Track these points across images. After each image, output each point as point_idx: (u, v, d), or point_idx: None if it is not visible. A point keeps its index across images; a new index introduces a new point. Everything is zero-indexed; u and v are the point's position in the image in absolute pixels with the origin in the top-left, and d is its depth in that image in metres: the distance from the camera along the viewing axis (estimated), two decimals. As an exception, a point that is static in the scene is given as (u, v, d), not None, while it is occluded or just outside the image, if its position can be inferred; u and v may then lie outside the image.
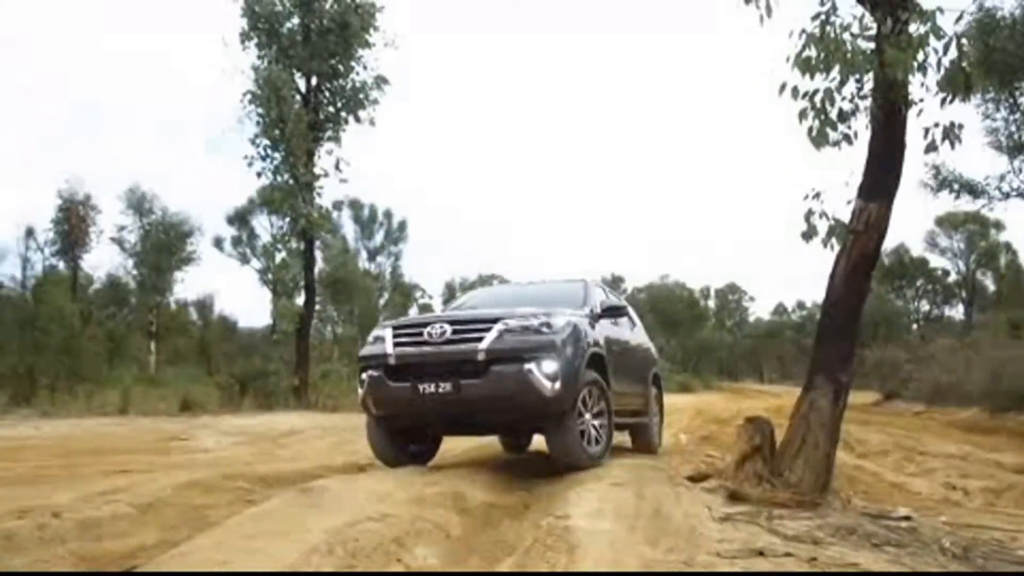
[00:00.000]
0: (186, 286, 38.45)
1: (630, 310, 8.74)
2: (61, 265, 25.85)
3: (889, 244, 34.54)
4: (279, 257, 15.66)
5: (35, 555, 3.75)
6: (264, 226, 36.48)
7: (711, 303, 63.25)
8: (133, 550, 4.08)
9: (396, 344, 5.84)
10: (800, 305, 63.77)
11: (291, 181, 13.63)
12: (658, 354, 9.80)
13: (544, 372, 5.36)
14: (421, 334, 5.75)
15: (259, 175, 14.07)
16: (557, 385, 5.37)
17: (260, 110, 13.34)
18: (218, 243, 36.19)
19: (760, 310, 69.61)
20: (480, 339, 5.51)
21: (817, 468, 4.82)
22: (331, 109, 14.40)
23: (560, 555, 3.37)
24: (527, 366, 5.36)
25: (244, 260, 36.98)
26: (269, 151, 13.70)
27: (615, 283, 56.55)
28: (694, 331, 51.64)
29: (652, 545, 3.51)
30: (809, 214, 5.37)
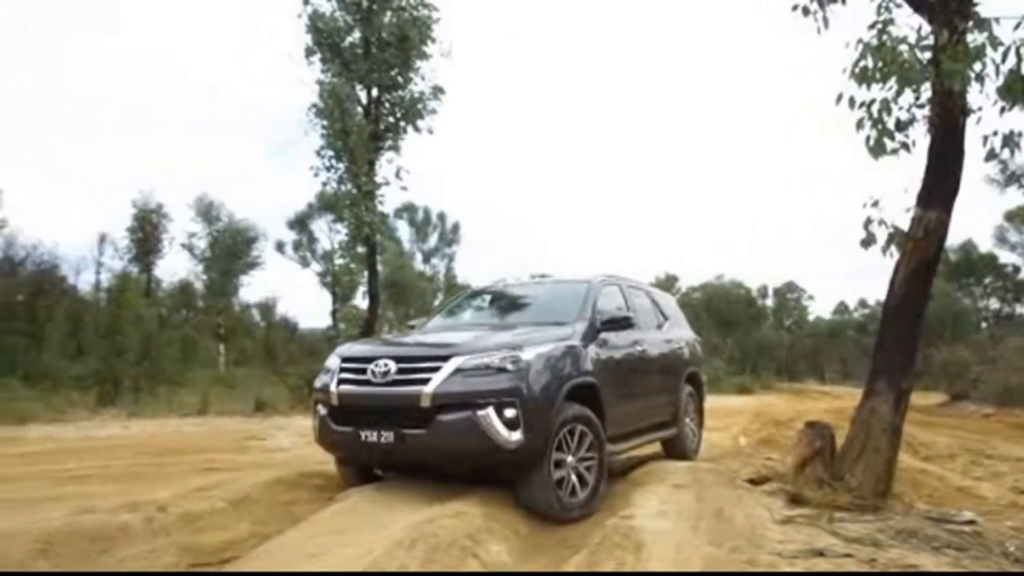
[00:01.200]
0: (251, 289, 39.72)
1: (663, 302, 8.09)
2: (135, 271, 27.10)
3: (956, 240, 33.40)
4: (341, 262, 16.15)
5: (147, 545, 4.13)
6: (323, 230, 37.55)
7: (769, 302, 62.06)
8: (230, 542, 4.42)
9: (340, 381, 5.14)
10: (862, 303, 61.99)
11: (354, 190, 14.12)
12: (702, 352, 8.85)
13: (501, 420, 4.59)
14: (365, 371, 4.99)
15: (324, 184, 14.66)
16: (517, 435, 4.59)
17: (324, 122, 13.88)
18: (280, 247, 37.37)
19: (820, 309, 68.01)
20: (426, 381, 4.71)
21: (878, 472, 4.90)
22: (391, 119, 14.84)
23: (627, 553, 3.57)
24: (480, 413, 4.57)
25: (304, 264, 38.10)
26: (333, 162, 14.25)
27: (669, 282, 56.02)
28: (751, 331, 50.73)
29: (715, 545, 3.68)
30: (868, 222, 5.43)
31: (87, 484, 5.88)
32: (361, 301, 16.75)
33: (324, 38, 14.39)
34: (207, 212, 30.31)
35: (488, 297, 7.27)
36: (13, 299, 21.03)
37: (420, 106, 14.83)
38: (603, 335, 5.85)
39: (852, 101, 5.29)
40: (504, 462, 4.76)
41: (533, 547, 4.49)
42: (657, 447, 7.65)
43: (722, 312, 47.96)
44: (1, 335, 19.06)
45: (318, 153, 14.41)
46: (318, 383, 5.41)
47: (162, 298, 29.40)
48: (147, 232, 27.08)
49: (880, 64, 5.15)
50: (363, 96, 14.79)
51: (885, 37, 5.21)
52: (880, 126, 5.23)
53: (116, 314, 17.65)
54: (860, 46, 5.25)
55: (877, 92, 5.26)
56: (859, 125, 5.31)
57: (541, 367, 4.88)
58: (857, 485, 4.84)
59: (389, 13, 14.57)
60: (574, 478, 5.01)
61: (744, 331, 49.95)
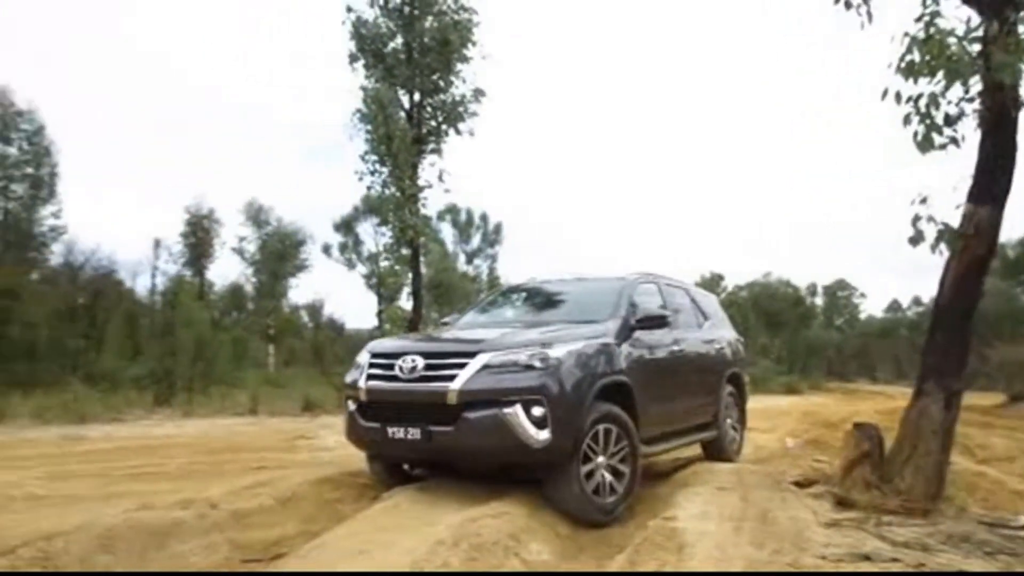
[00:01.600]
0: (299, 291, 40.50)
1: (704, 302, 7.95)
2: (189, 275, 27.93)
3: (1013, 235, 32.14)
4: (385, 264, 16.39)
5: (200, 541, 4.28)
6: (368, 232, 38.06)
7: (818, 300, 60.77)
8: (278, 538, 4.56)
9: (369, 376, 5.14)
10: (916, 301, 60.19)
11: (398, 194, 14.33)
12: (745, 352, 8.65)
13: (529, 418, 4.53)
14: (393, 367, 4.99)
15: (368, 188, 14.89)
16: (544, 434, 4.53)
17: (368, 127, 14.11)
18: (326, 250, 38.00)
19: (872, 307, 66.37)
20: (453, 377, 4.68)
21: (928, 475, 4.78)
22: (433, 123, 15.01)
23: (669, 554, 3.58)
24: (507, 411, 4.52)
25: (350, 266, 38.69)
26: (377, 166, 14.47)
27: (714, 281, 55.22)
28: (800, 330, 49.73)
29: (758, 547, 3.66)
30: (916, 219, 5.30)
31: (144, 482, 6.12)
32: (405, 302, 16.97)
33: (367, 44, 14.63)
34: (256, 217, 31.07)
35: (522, 294, 7.21)
36: (74, 303, 21.87)
37: (461, 109, 14.98)
38: (638, 334, 5.74)
39: (899, 96, 5.17)
40: (532, 461, 4.72)
41: (575, 547, 4.52)
42: (697, 449, 7.56)
43: (769, 311, 47.12)
44: (63, 337, 19.85)
45: (362, 158, 14.66)
46: (348, 378, 5.44)
47: (214, 301, 30.18)
48: (200, 237, 27.89)
49: (927, 57, 5.03)
50: (405, 101, 14.99)
51: (932, 30, 5.08)
52: (928, 121, 5.10)
53: (171, 317, 18.25)
54: (906, 39, 5.14)
55: (925, 86, 5.14)
56: (906, 120, 5.19)
57: (571, 365, 4.81)
58: (906, 488, 4.73)
59: (430, 18, 14.74)
60: (607, 478, 4.94)
61: (792, 330, 48.99)
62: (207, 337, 18.36)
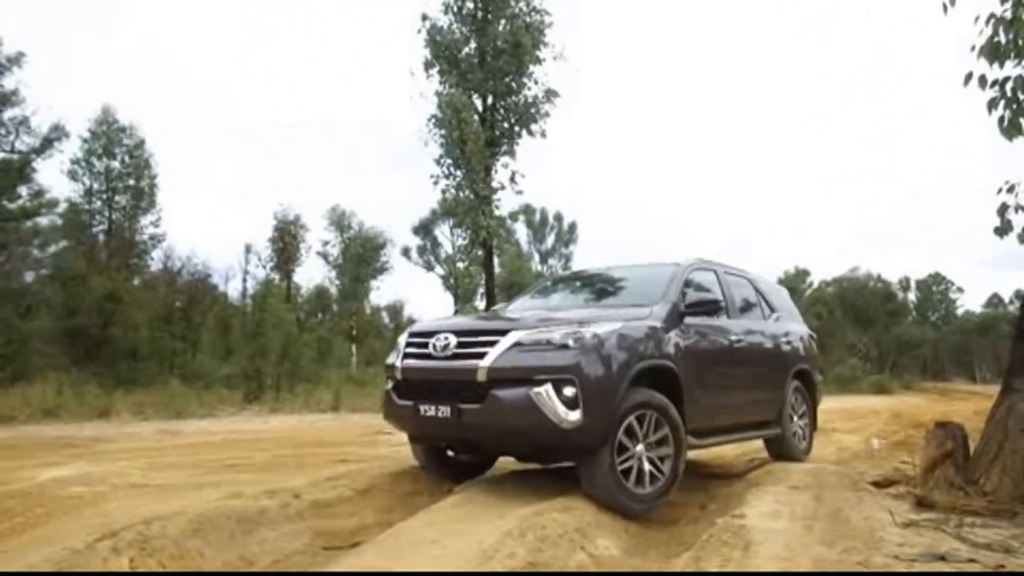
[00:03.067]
0: (380, 293, 41.67)
1: (771, 293, 7.63)
2: (277, 278, 29.19)
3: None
4: (461, 266, 16.72)
5: (284, 528, 4.52)
6: (445, 235, 38.78)
7: (911, 296, 57.97)
8: (357, 527, 4.75)
9: (406, 355, 5.18)
10: (1019, 295, 56.70)
11: (472, 196, 14.59)
12: (816, 348, 8.19)
13: (560, 397, 4.36)
14: (427, 345, 4.98)
15: (444, 192, 15.22)
16: (575, 415, 4.35)
17: (443, 132, 14.43)
18: (405, 252, 38.95)
19: (970, 302, 62.86)
20: (483, 355, 4.60)
21: (1016, 476, 4.56)
22: (505, 125, 15.21)
23: (734, 551, 3.55)
24: (536, 390, 4.36)
25: (429, 267, 39.52)
26: (452, 169, 14.79)
27: (799, 276, 53.39)
28: (891, 327, 47.58)
29: (828, 546, 3.59)
30: (1003, 208, 5.08)
31: (234, 472, 6.47)
32: (480, 302, 17.25)
33: (442, 51, 14.98)
34: (339, 222, 32.22)
35: (575, 282, 7.10)
36: (172, 306, 23.20)
37: (533, 110, 15.13)
38: (689, 320, 5.55)
39: (983, 80, 4.98)
40: (562, 443, 4.58)
41: (642, 543, 4.52)
42: (759, 446, 7.58)
43: (858, 307, 45.27)
44: (162, 339, 21.10)
45: (437, 162, 15.02)
46: (388, 360, 5.46)
47: (300, 303, 31.43)
48: (286, 242, 29.10)
49: (1014, 38, 4.82)
50: (478, 104, 15.26)
51: (1021, 11, 4.87)
52: (1015, 105, 4.89)
53: (260, 319, 19.12)
54: (992, 21, 4.94)
55: (1011, 69, 4.93)
56: (991, 105, 4.99)
57: (607, 345, 4.61)
58: (992, 489, 4.54)
59: (503, 21, 14.96)
60: (646, 467, 4.75)
61: (882, 327, 46.90)
62: (293, 338, 19.15)
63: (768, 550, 3.45)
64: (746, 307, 6.89)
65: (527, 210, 44.42)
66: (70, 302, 17.83)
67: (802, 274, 52.91)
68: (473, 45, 15.00)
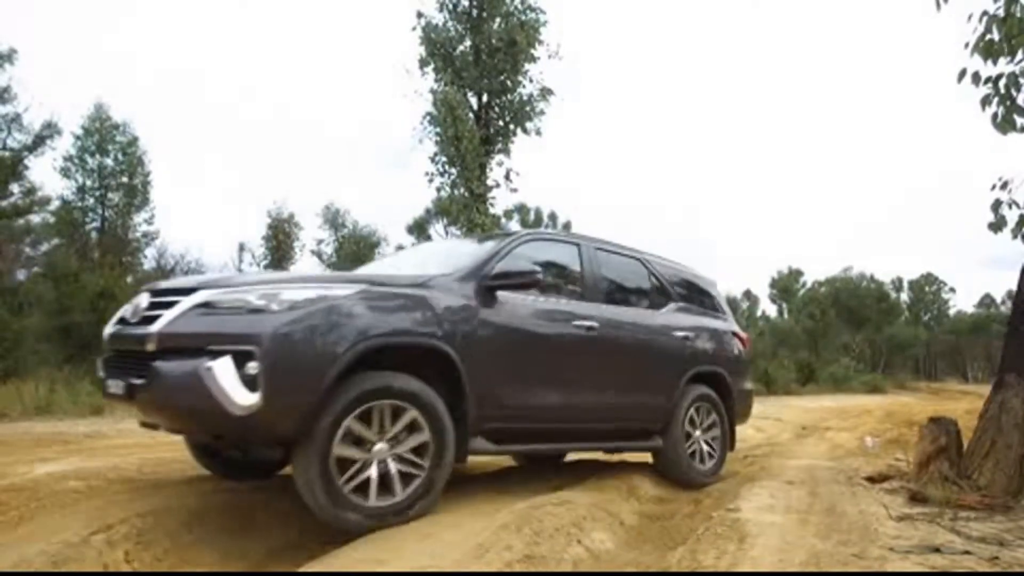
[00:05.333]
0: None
1: (677, 281, 6.42)
2: (270, 277, 29.12)
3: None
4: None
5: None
6: (440, 233, 38.76)
7: (904, 296, 58.24)
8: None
9: (117, 321, 4.18)
10: (1011, 295, 57.08)
11: (466, 194, 14.62)
12: (742, 349, 6.86)
13: (237, 376, 3.37)
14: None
15: (438, 190, 15.24)
16: (253, 398, 3.36)
17: (438, 130, 14.46)
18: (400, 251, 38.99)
19: (962, 302, 63.27)
20: (157, 318, 3.66)
21: (1009, 471, 4.60)
22: (500, 123, 15.27)
23: (730, 543, 3.57)
24: (209, 363, 3.35)
25: (423, 266, 39.52)
26: (446, 167, 14.82)
27: (792, 277, 53.55)
28: (883, 327, 47.82)
29: (823, 538, 3.61)
30: (997, 204, 5.13)
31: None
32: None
33: (437, 49, 15.00)
34: (334, 220, 32.19)
35: (418, 249, 6.32)
36: (165, 304, 23.09)
37: (528, 108, 15.17)
38: (505, 296, 4.55)
39: (977, 77, 5.03)
40: (242, 433, 3.77)
41: (638, 537, 4.54)
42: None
43: (851, 307, 45.50)
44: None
45: (432, 160, 15.03)
46: None
47: (294, 301, 31.36)
48: (280, 240, 29.02)
49: (1007, 36, 4.87)
50: (473, 102, 15.30)
51: (1014, 8, 4.91)
52: (1008, 102, 4.94)
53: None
54: (985, 18, 4.98)
55: (1004, 66, 4.98)
56: (985, 102, 5.05)
57: (320, 311, 3.61)
58: (986, 484, 4.58)
59: (498, 19, 15.00)
60: (392, 469, 3.82)
61: (875, 327, 47.15)
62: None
63: (764, 542, 3.47)
64: (622, 292, 5.79)
65: (521, 209, 44.41)
66: (63, 299, 17.72)
67: (795, 274, 53.13)
68: (468, 43, 15.04)
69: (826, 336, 40.84)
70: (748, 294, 56.42)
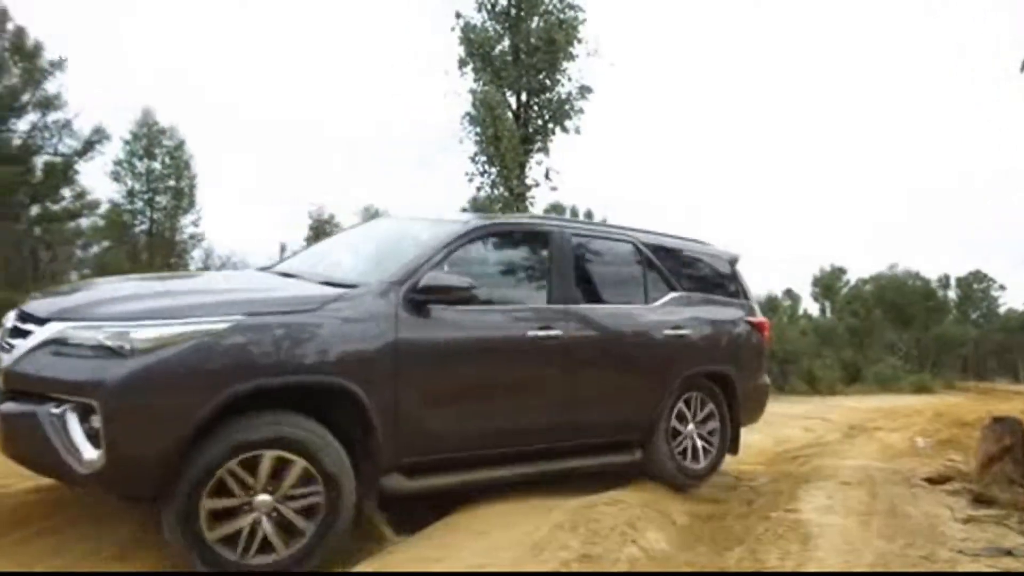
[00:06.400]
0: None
1: (682, 263, 5.60)
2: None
3: None
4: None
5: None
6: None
7: (951, 294, 56.74)
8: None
9: None
10: (1068, 293, 55.18)
11: (506, 193, 14.65)
12: (758, 340, 5.94)
13: (81, 429, 2.98)
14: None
15: (478, 190, 15.31)
16: (98, 454, 2.94)
17: (477, 129, 14.51)
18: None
19: (1013, 300, 61.37)
20: (12, 349, 3.25)
21: (1079, 473, 4.46)
22: (539, 122, 15.27)
23: (792, 544, 3.52)
24: (52, 411, 2.98)
25: (462, 266, 39.69)
26: (486, 167, 14.87)
27: (835, 275, 52.50)
28: (931, 325, 46.62)
29: (888, 540, 3.54)
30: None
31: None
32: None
33: (476, 49, 15.04)
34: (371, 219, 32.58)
35: (351, 236, 5.63)
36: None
37: (567, 107, 15.14)
38: (434, 308, 3.90)
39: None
40: (92, 488, 3.31)
41: (691, 538, 4.49)
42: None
43: (897, 305, 44.45)
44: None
45: (472, 159, 15.10)
46: None
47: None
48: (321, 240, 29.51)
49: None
50: (512, 101, 15.32)
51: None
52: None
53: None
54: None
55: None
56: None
57: (181, 354, 3.10)
58: (1055, 486, 4.44)
59: (536, 18, 14.99)
60: (266, 528, 3.23)
61: (922, 326, 45.99)
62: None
63: (827, 543, 3.41)
64: (604, 286, 5.09)
65: (558, 208, 44.40)
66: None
67: (838, 272, 52.08)
68: (507, 42, 15.05)
69: (871, 335, 39.95)
70: (789, 292, 55.54)
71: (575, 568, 3.47)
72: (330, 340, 3.50)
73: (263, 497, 3.25)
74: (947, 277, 55.44)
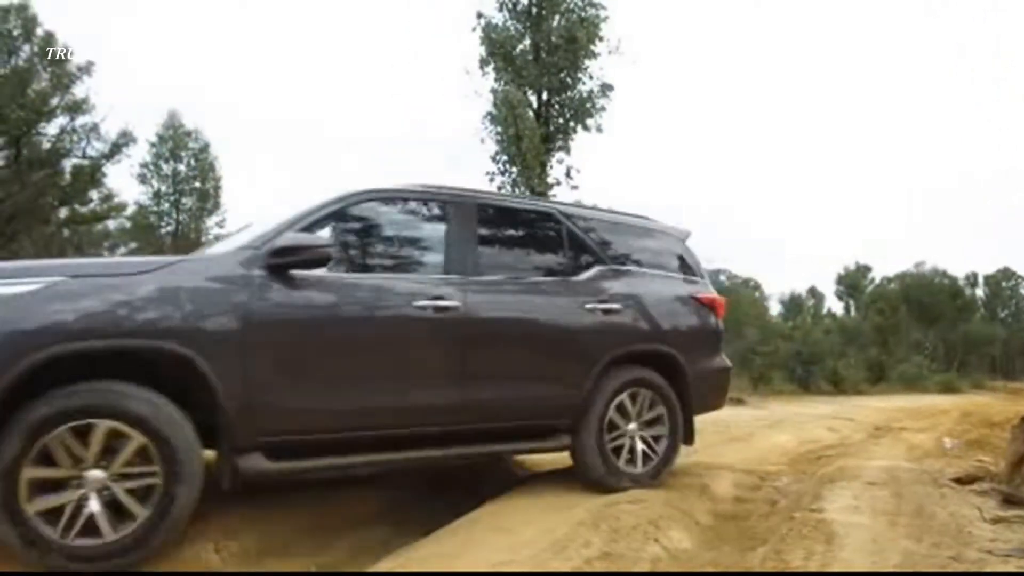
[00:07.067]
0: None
1: (609, 235, 5.16)
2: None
3: None
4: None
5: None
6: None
7: (979, 292, 55.85)
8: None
9: None
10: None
11: (528, 192, 14.66)
12: (710, 321, 5.46)
13: None
14: None
15: (499, 189, 15.31)
16: None
17: (499, 129, 14.55)
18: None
19: (1044, 298, 60.07)
20: None
21: (1113, 474, 4.37)
22: (560, 121, 15.29)
23: (817, 544, 3.48)
24: None
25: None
26: (507, 166, 14.91)
27: (860, 273, 51.88)
28: (958, 324, 45.90)
29: (915, 540, 3.50)
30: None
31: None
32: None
33: (497, 48, 15.09)
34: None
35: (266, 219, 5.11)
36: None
37: (589, 105, 15.14)
38: (301, 274, 3.65)
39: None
40: None
41: (714, 537, 4.46)
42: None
43: (923, 304, 43.82)
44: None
45: (493, 159, 15.14)
46: None
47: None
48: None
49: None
50: (534, 100, 15.34)
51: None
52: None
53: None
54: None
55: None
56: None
57: None
58: (1087, 487, 4.35)
59: (558, 16, 15.00)
60: (96, 507, 3.04)
61: (949, 324, 45.30)
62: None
63: (854, 543, 3.38)
64: (516, 258, 4.82)
65: (579, 207, 44.37)
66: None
67: (863, 270, 51.45)
68: (528, 41, 15.10)
69: (897, 334, 39.41)
70: (813, 291, 54.93)
71: (597, 566, 3.47)
72: (161, 303, 3.27)
73: (95, 473, 3.05)
74: (975, 275, 54.66)
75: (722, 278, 40.83)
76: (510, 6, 15.06)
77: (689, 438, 5.24)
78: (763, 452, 8.43)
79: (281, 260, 3.57)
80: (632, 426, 4.88)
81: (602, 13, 14.78)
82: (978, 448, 9.31)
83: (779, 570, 3.24)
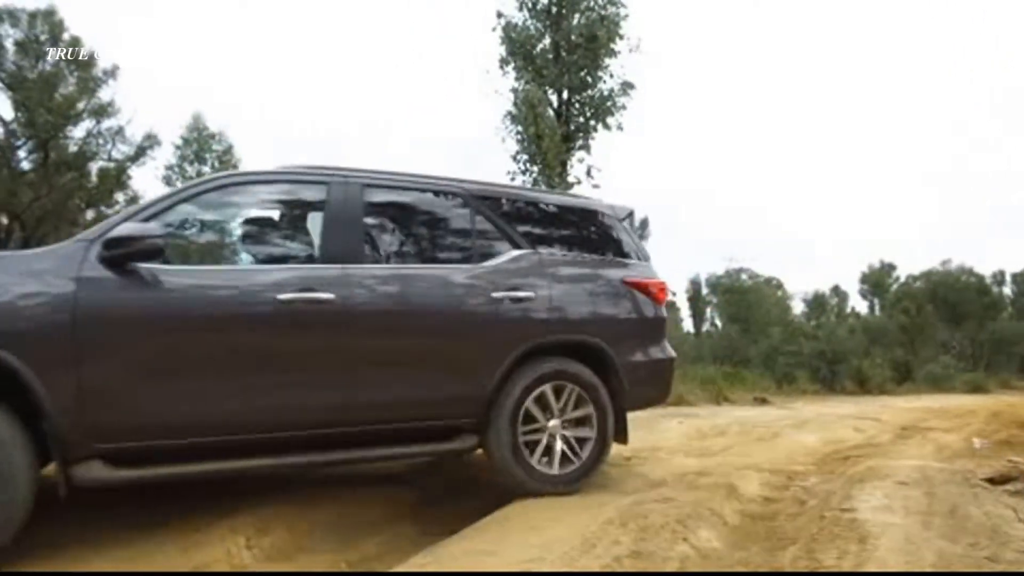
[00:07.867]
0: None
1: (527, 217, 4.83)
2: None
3: None
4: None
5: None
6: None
7: (1007, 290, 54.89)
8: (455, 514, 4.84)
9: None
10: None
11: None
12: (646, 308, 5.01)
13: None
14: None
15: (520, 187, 15.37)
16: None
17: (519, 128, 14.58)
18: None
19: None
20: None
21: None
22: (581, 120, 15.29)
23: (850, 543, 3.44)
24: None
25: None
26: (528, 165, 14.93)
27: (884, 271, 51.22)
28: (986, 323, 45.15)
29: (950, 540, 3.45)
30: None
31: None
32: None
33: (517, 48, 15.12)
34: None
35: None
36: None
37: (609, 104, 15.12)
38: (145, 266, 3.39)
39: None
40: None
41: (743, 537, 4.43)
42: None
43: (950, 303, 43.15)
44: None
45: (514, 158, 15.18)
46: None
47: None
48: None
49: None
50: (554, 99, 15.35)
51: None
52: None
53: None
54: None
55: None
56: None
57: None
58: (1126, 487, 4.27)
59: (577, 15, 15.00)
60: None
61: (977, 323, 44.56)
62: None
63: (887, 543, 3.34)
64: (409, 244, 4.44)
65: (599, 206, 44.26)
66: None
67: (888, 268, 50.82)
68: (548, 40, 15.12)
69: (923, 333, 38.89)
70: (836, 290, 54.34)
71: (627, 564, 3.47)
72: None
73: None
74: (1002, 273, 53.70)
75: (744, 276, 40.55)
76: (530, 5, 15.10)
77: (622, 436, 4.91)
78: (790, 452, 8.36)
79: (115, 252, 3.30)
80: (553, 423, 4.57)
81: (622, 11, 14.80)
82: (1008, 448, 9.15)
83: (811, 570, 3.21)
